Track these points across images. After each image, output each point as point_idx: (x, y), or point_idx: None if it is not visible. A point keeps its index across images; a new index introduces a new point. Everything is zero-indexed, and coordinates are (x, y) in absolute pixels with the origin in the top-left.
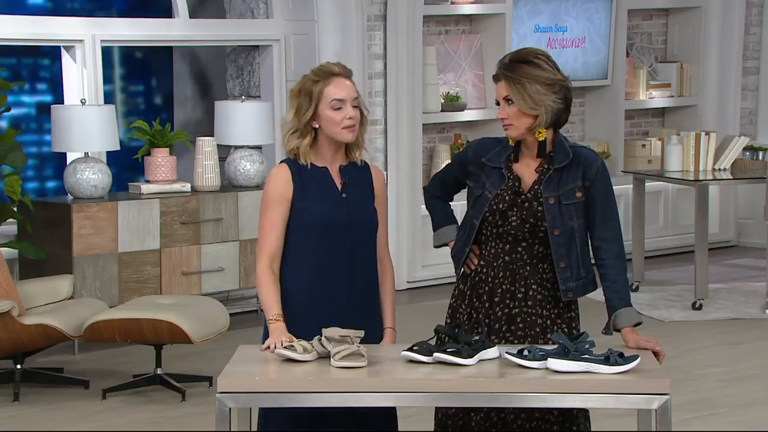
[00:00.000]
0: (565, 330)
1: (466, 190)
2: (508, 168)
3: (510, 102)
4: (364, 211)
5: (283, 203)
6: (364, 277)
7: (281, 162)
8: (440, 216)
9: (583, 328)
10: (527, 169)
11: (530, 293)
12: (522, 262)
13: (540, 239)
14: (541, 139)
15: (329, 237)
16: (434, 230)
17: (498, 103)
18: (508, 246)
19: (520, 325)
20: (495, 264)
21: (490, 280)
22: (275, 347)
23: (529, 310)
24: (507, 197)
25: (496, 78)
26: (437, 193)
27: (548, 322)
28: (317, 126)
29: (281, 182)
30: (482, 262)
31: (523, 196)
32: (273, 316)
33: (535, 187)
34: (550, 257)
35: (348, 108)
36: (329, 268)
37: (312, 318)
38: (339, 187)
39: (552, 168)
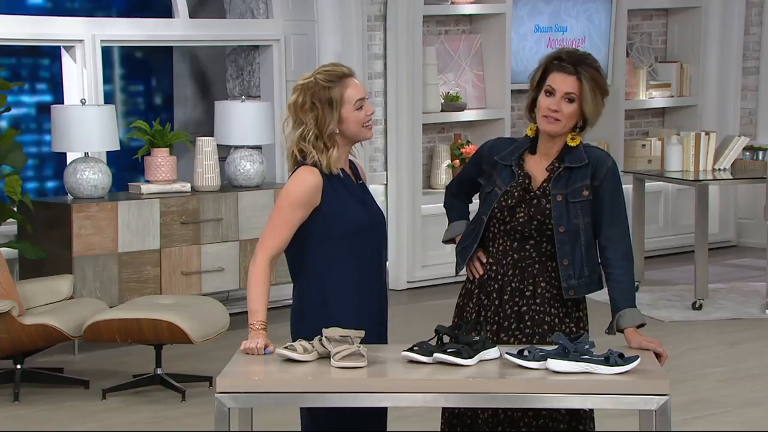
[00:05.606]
0: (573, 329)
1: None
2: (519, 166)
3: (571, 100)
4: (378, 208)
5: (306, 209)
6: (385, 274)
7: (309, 165)
8: (453, 213)
9: (589, 328)
10: (538, 167)
11: (539, 291)
12: (531, 260)
13: (548, 237)
14: (573, 145)
15: (363, 240)
16: (447, 226)
17: (548, 93)
18: (516, 243)
19: (528, 323)
20: (504, 262)
21: (499, 278)
22: (256, 352)
23: (537, 308)
24: (516, 193)
25: (566, 70)
26: (454, 191)
27: (556, 320)
28: (337, 131)
29: (311, 188)
30: (491, 260)
31: (532, 193)
32: (259, 322)
33: (545, 184)
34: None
35: (367, 105)
36: (367, 271)
37: (352, 322)
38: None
39: (562, 166)
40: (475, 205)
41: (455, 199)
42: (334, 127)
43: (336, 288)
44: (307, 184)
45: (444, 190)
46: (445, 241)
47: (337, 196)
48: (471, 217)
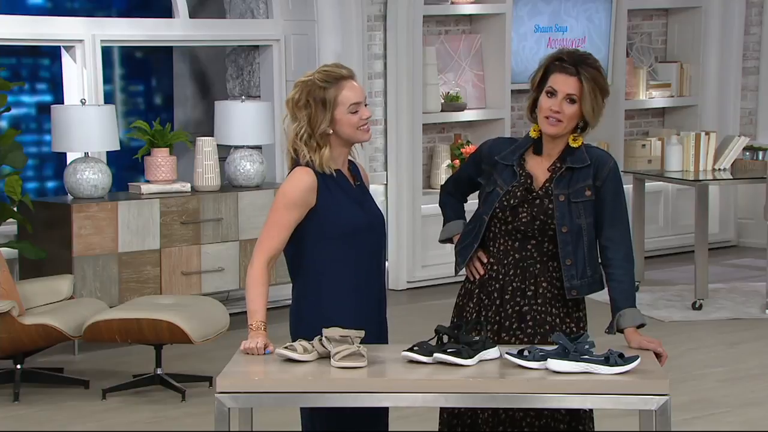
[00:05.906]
0: (573, 329)
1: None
2: (521, 166)
3: (572, 101)
4: (377, 209)
5: (302, 209)
6: (384, 275)
7: (303, 166)
8: (449, 212)
9: (588, 328)
10: (540, 168)
11: (540, 291)
12: (532, 260)
13: (549, 237)
14: (575, 146)
15: (360, 241)
16: (443, 226)
17: (549, 93)
18: (517, 243)
19: (530, 323)
20: (505, 261)
21: (501, 277)
22: (256, 351)
23: (539, 308)
24: (518, 193)
25: (567, 71)
26: (451, 190)
27: (557, 320)
28: (331, 132)
29: (306, 188)
30: (492, 260)
31: (534, 194)
32: (257, 322)
33: (547, 184)
34: (559, 255)
35: (363, 109)
36: (365, 272)
37: (349, 322)
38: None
39: (564, 167)
40: (470, 204)
41: (451, 198)
42: (326, 128)
43: (332, 288)
44: (302, 184)
45: None
46: (442, 241)
47: (333, 197)
48: (466, 216)
